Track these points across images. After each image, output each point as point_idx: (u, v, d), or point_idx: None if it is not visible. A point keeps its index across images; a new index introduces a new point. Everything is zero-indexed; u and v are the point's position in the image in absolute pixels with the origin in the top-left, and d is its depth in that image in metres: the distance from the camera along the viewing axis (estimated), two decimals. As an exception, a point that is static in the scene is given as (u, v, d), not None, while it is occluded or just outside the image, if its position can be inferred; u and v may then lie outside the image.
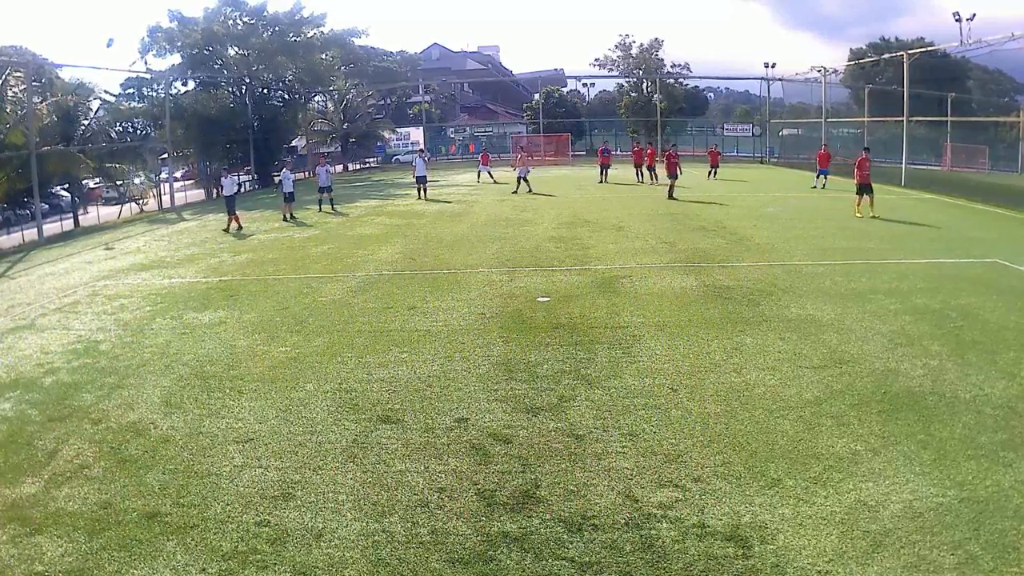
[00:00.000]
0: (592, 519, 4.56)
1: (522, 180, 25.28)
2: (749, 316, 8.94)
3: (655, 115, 45.91)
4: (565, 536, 4.39)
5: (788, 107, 49.85)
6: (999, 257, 12.22)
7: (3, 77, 21.54)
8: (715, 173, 29.30)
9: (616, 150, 38.41)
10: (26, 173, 20.67)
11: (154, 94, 31.23)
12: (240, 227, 18.59)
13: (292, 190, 20.96)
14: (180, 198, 29.22)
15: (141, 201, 28.55)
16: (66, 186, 25.76)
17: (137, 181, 28.90)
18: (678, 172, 22.68)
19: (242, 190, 19.73)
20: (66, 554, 4.36)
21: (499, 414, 6.21)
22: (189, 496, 5.00)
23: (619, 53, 51.72)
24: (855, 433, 5.65)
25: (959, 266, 11.72)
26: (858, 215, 17.16)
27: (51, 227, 21.62)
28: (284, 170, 22.32)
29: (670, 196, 21.70)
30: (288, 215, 20.52)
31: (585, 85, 57.98)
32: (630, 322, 8.80)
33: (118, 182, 27.74)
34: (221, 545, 4.39)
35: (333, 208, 22.06)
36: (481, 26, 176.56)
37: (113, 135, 28.19)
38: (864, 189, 17.27)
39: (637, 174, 28.35)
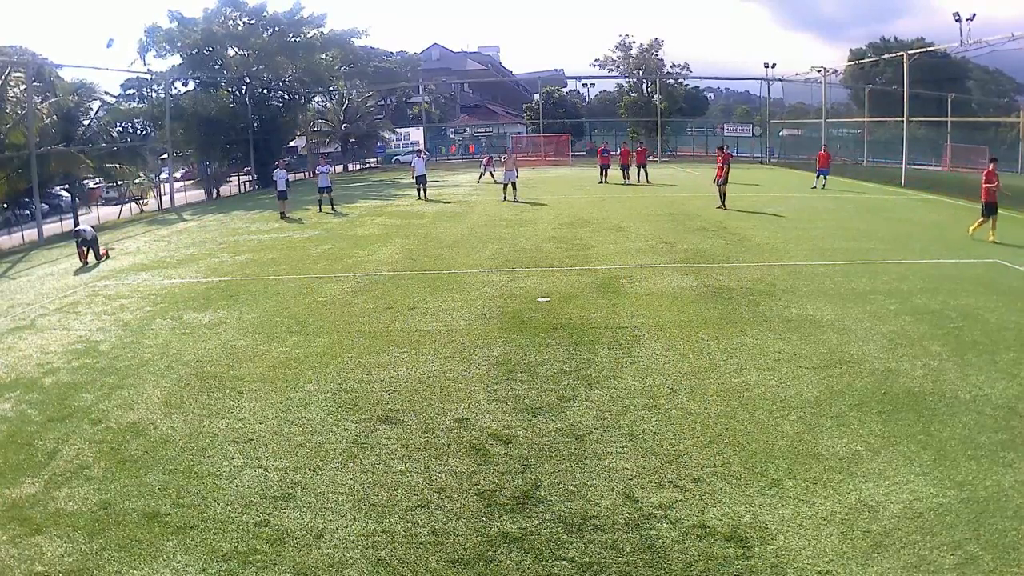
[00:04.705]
0: (592, 519, 4.56)
1: (509, 185, 22.46)
2: (749, 316, 8.94)
3: (655, 115, 45.91)
4: (565, 536, 4.39)
5: (788, 107, 49.99)
6: (999, 257, 12.22)
7: (3, 77, 21.52)
8: None
9: (615, 150, 38.43)
10: (26, 173, 20.67)
11: (154, 94, 31.24)
12: (84, 264, 14.71)
13: (285, 188, 21.01)
14: (180, 198, 29.25)
15: (141, 201, 28.56)
16: (66, 186, 25.77)
17: (137, 181, 28.90)
18: (727, 177, 19.44)
19: (89, 235, 15.06)
20: (66, 554, 4.36)
21: (499, 414, 6.21)
22: (189, 496, 5.00)
23: (619, 53, 51.80)
24: (855, 433, 5.65)
25: (959, 266, 11.71)
26: (972, 234, 14.28)
27: (51, 227, 21.61)
28: (277, 169, 22.24)
29: (722, 205, 19.20)
30: (282, 213, 20.57)
31: (585, 85, 58.06)
32: (630, 322, 8.79)
33: (118, 182, 27.75)
34: (221, 545, 4.39)
35: (333, 208, 22.07)
36: (481, 26, 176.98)
37: (113, 135, 28.19)
38: (989, 209, 14.03)
39: (636, 174, 28.34)
